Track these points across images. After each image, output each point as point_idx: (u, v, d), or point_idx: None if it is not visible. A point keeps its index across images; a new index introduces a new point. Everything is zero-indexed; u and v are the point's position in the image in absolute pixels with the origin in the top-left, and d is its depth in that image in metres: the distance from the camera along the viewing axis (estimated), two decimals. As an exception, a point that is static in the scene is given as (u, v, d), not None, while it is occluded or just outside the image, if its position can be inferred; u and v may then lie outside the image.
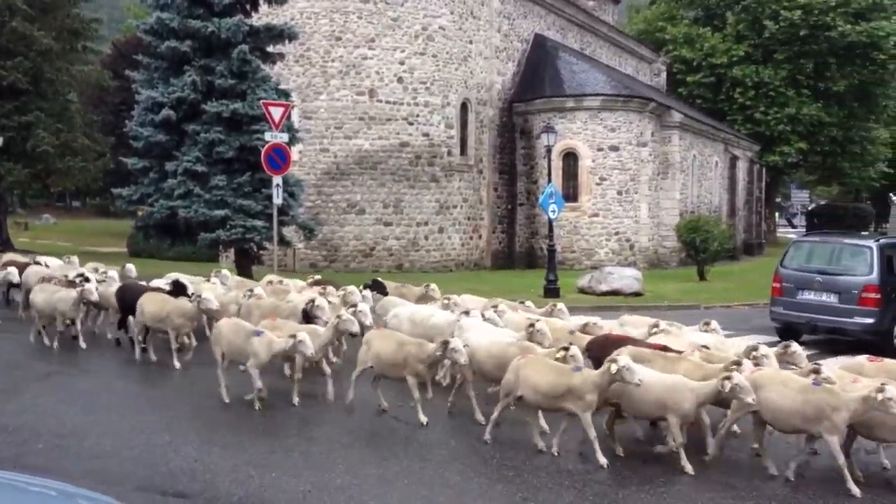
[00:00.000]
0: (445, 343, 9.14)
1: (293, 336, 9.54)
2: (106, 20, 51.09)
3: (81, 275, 14.07)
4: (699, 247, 29.54)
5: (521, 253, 36.13)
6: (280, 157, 19.75)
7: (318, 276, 16.82)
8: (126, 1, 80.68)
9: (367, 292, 13.62)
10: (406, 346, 9.48)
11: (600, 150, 34.40)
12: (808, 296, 16.26)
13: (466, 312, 11.43)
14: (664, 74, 55.64)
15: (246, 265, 23.83)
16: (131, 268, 16.79)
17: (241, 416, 9.66)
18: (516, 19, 37.30)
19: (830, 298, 15.94)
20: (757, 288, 24.23)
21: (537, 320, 10.57)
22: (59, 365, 12.20)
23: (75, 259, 18.37)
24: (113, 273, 15.32)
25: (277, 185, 19.70)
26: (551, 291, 22.85)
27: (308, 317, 11.49)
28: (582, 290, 24.07)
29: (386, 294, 14.14)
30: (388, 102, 30.72)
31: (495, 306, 12.28)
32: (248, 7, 24.53)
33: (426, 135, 31.43)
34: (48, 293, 13.04)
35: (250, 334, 9.83)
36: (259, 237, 22.95)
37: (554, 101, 35.06)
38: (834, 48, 52.46)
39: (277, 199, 19.86)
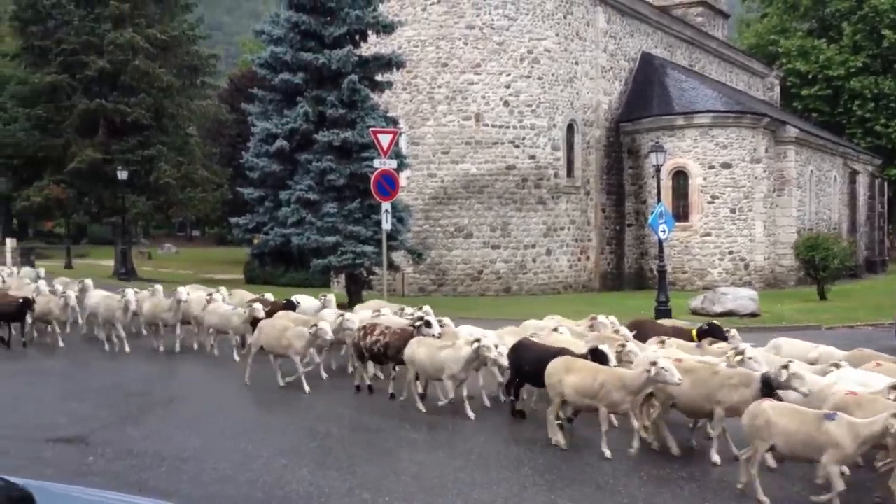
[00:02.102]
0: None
1: None
2: (223, 56, 53.27)
3: (421, 318, 11.96)
4: (819, 265, 28.49)
5: (630, 274, 35.61)
6: (389, 184, 20.06)
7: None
8: (242, 37, 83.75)
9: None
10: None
11: (712, 167, 33.66)
12: (938, 315, 15.46)
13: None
14: (777, 89, 54.17)
15: (356, 290, 24.26)
16: (429, 309, 13.10)
17: (355, 440, 9.79)
18: (622, 38, 36.99)
19: (962, 318, 15.11)
20: (881, 307, 23.20)
21: None
22: (180, 391, 12.64)
23: (332, 297, 15.95)
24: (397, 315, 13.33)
25: (386, 210, 20.00)
26: (663, 313, 22.36)
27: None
28: (695, 312, 23.50)
29: (725, 339, 11.16)
30: (494, 126, 30.87)
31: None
32: (357, 38, 25.14)
33: (532, 157, 31.41)
34: (432, 348, 10.81)
35: (820, 420, 7.15)
36: (369, 262, 23.36)
37: (662, 120, 34.55)
38: (958, 56, 50.12)
39: (386, 225, 20.15)
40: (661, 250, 24.59)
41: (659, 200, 25.20)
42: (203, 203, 40.87)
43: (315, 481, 8.11)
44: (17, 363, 15.06)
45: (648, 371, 8.41)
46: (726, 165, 33.66)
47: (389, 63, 25.25)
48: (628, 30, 37.48)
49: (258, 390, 12.54)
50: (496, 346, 10.18)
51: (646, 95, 36.14)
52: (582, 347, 10.19)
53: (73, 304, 16.61)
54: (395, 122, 25.71)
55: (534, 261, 31.48)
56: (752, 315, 22.80)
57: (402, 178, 25.79)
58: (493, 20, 30.90)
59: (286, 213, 23.37)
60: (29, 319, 16.58)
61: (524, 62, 31.40)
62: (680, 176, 33.92)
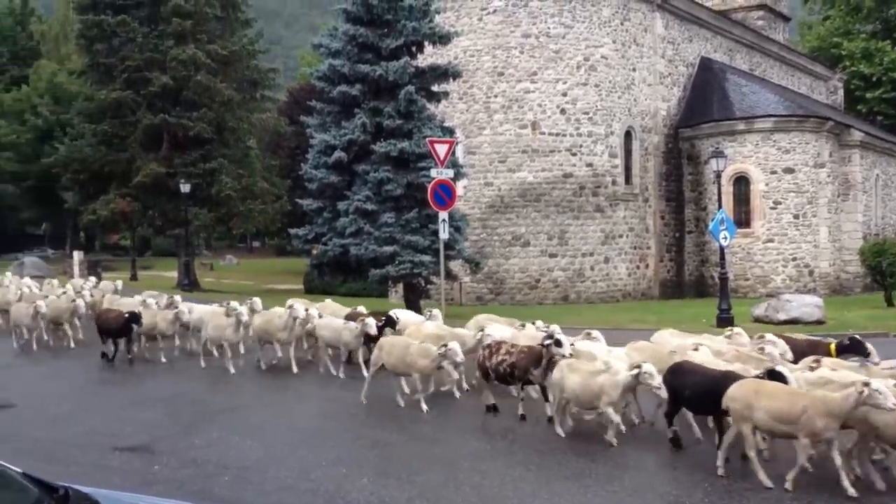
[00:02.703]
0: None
1: None
2: (282, 69, 53.99)
3: (551, 336, 10.47)
4: (886, 271, 27.76)
5: (690, 281, 35.15)
6: (446, 193, 20.08)
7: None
8: (300, 50, 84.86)
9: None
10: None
11: (774, 172, 33.08)
12: None
13: None
14: (841, 92, 53.05)
15: (414, 300, 24.33)
16: (542, 324, 12.69)
17: (415, 449, 9.82)
18: (681, 43, 36.60)
19: None
20: (954, 315, 22.52)
21: None
22: (242, 400, 12.80)
23: (437, 312, 14.88)
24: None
25: (443, 220, 20.01)
26: (725, 321, 22.01)
27: None
28: (758, 320, 23.08)
29: (867, 354, 10.28)
30: (550, 134, 30.77)
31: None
32: (413, 49, 25.26)
33: (590, 165, 31.22)
34: (585, 374, 9.59)
35: None
36: (427, 272, 23.40)
37: (723, 125, 34.07)
38: None
39: (444, 234, 20.16)
40: (722, 257, 24.23)
41: (720, 207, 24.84)
42: (263, 215, 41.41)
43: (375, 490, 8.14)
44: (86, 373, 15.40)
45: (861, 392, 7.41)
46: (789, 170, 33.06)
47: (446, 73, 25.32)
48: (687, 35, 37.07)
49: (318, 400, 12.65)
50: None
51: (705, 101, 35.69)
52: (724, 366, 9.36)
53: (186, 319, 15.89)
54: (451, 131, 25.76)
55: (592, 269, 31.25)
56: (818, 322, 22.31)
57: (459, 187, 25.80)
58: (549, 28, 30.83)
59: (344, 224, 23.55)
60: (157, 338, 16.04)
61: (581, 70, 31.25)
62: (741, 182, 33.40)
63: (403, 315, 14.87)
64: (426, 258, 22.78)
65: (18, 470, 3.92)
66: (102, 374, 15.09)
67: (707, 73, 37.04)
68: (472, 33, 30.77)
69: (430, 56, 27.30)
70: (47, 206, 63.34)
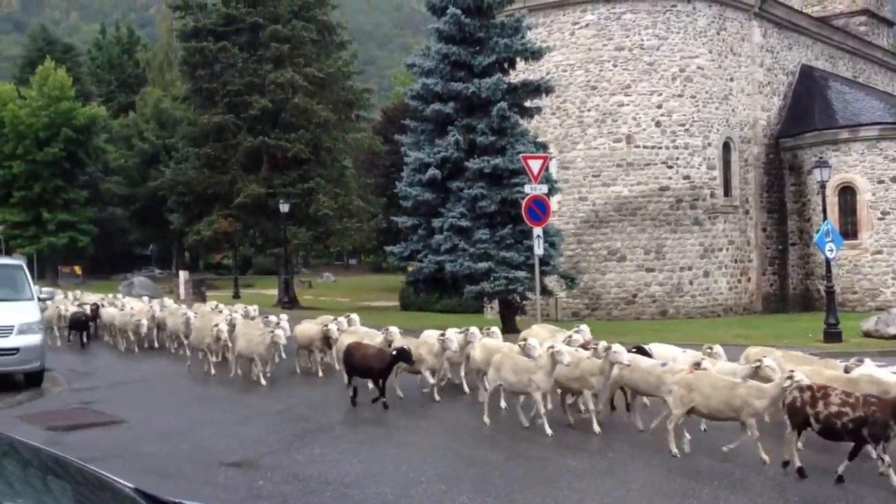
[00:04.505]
0: None
1: None
2: (376, 89, 54.80)
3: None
4: None
5: (795, 295, 34.12)
6: (540, 209, 20.04)
7: None
8: (394, 70, 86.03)
9: None
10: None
11: (881, 182, 31.90)
12: None
13: None
14: (953, 96, 50.78)
15: (510, 316, 24.30)
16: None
17: (513, 467, 9.78)
18: (780, 52, 35.72)
19: None
20: None
21: None
22: (341, 416, 12.98)
23: (719, 348, 11.97)
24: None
25: (538, 236, 19.96)
26: (832, 336, 21.30)
27: None
28: (867, 334, 22.24)
29: None
30: (645, 147, 30.40)
31: None
32: (506, 66, 25.33)
33: (687, 177, 30.69)
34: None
35: None
36: (522, 288, 23.35)
37: (826, 134, 33.05)
38: None
39: (538, 250, 20.10)
40: (828, 270, 23.44)
41: (825, 218, 24.09)
42: (359, 233, 42.08)
43: (475, 508, 8.14)
44: (192, 389, 15.87)
45: None
46: (897, 180, 31.86)
47: (538, 89, 25.31)
48: (786, 43, 36.15)
49: (417, 418, 12.71)
50: None
51: (807, 109, 34.71)
52: None
53: (456, 349, 13.23)
54: (544, 147, 25.70)
55: (690, 283, 30.65)
56: (932, 337, 21.35)
57: (553, 202, 25.71)
58: (642, 40, 30.52)
59: (439, 241, 23.71)
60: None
61: (676, 81, 30.80)
62: (846, 192, 32.31)
63: (658, 349, 12.49)
64: (521, 274, 22.74)
65: (131, 485, 4.07)
66: (208, 391, 15.53)
67: (808, 80, 36.03)
68: (565, 48, 30.69)
69: (522, 72, 27.34)
70: (154, 227, 65.80)
